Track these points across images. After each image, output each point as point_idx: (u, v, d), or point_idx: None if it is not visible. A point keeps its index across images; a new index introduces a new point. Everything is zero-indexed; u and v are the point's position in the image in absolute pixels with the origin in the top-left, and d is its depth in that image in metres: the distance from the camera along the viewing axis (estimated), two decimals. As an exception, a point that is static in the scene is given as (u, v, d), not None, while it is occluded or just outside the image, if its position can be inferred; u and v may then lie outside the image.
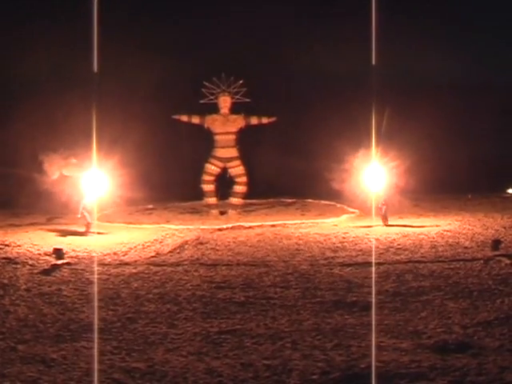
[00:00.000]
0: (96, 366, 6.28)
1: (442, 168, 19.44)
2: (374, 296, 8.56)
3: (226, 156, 17.25)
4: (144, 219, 15.87)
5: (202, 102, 17.23)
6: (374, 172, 14.80)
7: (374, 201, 14.80)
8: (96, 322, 7.66)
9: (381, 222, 14.26)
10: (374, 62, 15.91)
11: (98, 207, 14.30)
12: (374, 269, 10.00)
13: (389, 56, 18.95)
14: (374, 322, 7.46)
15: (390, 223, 14.20)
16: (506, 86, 23.45)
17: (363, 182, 15.13)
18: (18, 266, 10.61)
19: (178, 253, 11.56)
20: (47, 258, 11.17)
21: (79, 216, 13.64)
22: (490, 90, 23.43)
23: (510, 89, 23.50)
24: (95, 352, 6.66)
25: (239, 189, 17.47)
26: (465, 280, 9.26)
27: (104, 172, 14.26)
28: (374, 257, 10.76)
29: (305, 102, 19.62)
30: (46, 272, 10.16)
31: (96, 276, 9.86)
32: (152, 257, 11.24)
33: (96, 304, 8.39)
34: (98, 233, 13.65)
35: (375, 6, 14.58)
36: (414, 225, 14.09)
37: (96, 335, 7.20)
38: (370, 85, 17.14)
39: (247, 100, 17.17)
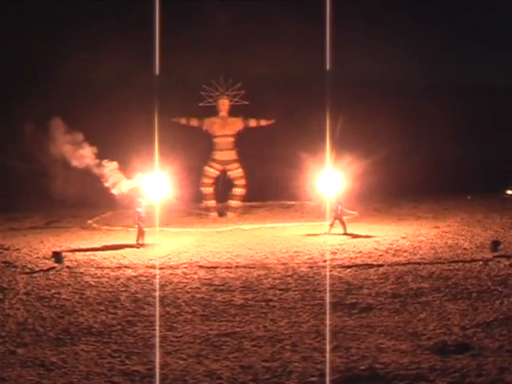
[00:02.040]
0: (95, 369, 6.30)
1: (401, 171, 19.51)
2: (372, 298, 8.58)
3: (224, 159, 17.30)
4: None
5: (200, 104, 17.29)
6: (327, 178, 14.26)
7: (328, 207, 14.23)
8: (95, 325, 7.67)
9: (338, 230, 13.54)
10: (328, 67, 16.06)
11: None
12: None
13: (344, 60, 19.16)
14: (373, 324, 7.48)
15: (348, 231, 13.52)
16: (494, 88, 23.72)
17: (318, 188, 14.70)
18: (18, 269, 10.62)
19: (177, 255, 11.56)
20: (46, 261, 11.18)
21: (136, 226, 12.82)
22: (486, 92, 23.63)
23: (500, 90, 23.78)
24: (95, 355, 6.67)
25: (238, 191, 17.50)
26: (464, 281, 9.26)
27: (162, 178, 13.86)
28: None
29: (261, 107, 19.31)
30: (45, 275, 10.16)
31: (95, 279, 9.86)
32: (151, 260, 11.24)
33: (95, 307, 8.40)
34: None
35: (330, 12, 14.77)
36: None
37: (95, 338, 7.21)
38: (325, 89, 17.17)
39: (245, 103, 17.23)
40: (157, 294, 8.98)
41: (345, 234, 13.54)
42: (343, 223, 13.79)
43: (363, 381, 5.87)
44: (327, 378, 5.92)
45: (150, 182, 13.32)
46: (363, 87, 21.23)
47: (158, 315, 8.02)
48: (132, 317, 7.95)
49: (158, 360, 6.48)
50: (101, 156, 13.60)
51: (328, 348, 6.71)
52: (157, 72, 15.35)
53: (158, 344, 6.98)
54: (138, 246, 12.49)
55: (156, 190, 13.40)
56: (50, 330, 7.48)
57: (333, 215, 13.82)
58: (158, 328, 7.52)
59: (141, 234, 12.72)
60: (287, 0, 19.95)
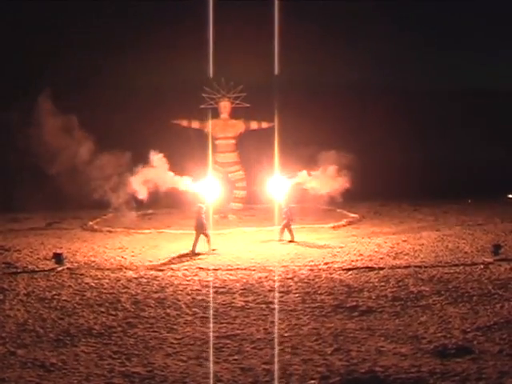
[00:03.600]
0: (95, 370, 6.30)
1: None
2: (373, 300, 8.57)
3: (226, 161, 17.32)
4: (144, 224, 15.87)
5: (202, 106, 17.31)
6: (276, 182, 13.77)
7: (276, 213, 13.88)
8: (96, 326, 7.67)
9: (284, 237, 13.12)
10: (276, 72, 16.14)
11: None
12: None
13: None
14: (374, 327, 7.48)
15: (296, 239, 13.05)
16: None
17: (267, 193, 14.27)
18: (18, 270, 10.62)
19: (178, 257, 11.56)
20: (47, 262, 11.18)
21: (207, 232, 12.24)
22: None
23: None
24: (95, 357, 6.67)
25: (239, 194, 17.52)
26: (465, 285, 9.25)
27: (215, 181, 13.68)
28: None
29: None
30: (45, 277, 10.16)
31: (95, 281, 9.86)
32: (151, 261, 11.24)
33: (96, 309, 8.39)
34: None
35: (278, 18, 14.91)
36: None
37: (96, 340, 7.21)
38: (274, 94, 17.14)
39: (247, 105, 17.25)
40: (157, 295, 8.98)
41: (291, 241, 13.11)
42: (290, 230, 13.30)
43: (363, 384, 5.87)
44: (327, 381, 5.92)
45: (205, 186, 13.05)
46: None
47: (158, 317, 8.02)
48: (132, 318, 7.95)
49: (158, 362, 6.49)
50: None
51: (328, 351, 6.71)
52: (211, 74, 15.44)
53: (158, 346, 6.99)
54: (211, 251, 12.00)
55: (211, 193, 13.12)
56: (51, 331, 7.48)
57: (283, 222, 13.36)
58: (158, 330, 7.52)
59: (207, 239, 12.18)
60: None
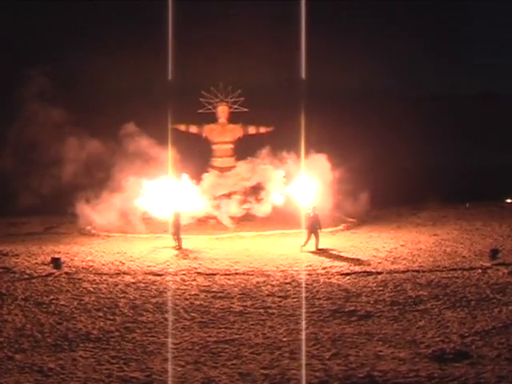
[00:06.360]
0: (94, 375, 6.29)
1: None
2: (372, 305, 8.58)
3: (223, 166, 17.31)
4: (142, 229, 15.82)
5: (200, 111, 17.31)
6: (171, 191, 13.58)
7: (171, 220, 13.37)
8: (94, 331, 7.66)
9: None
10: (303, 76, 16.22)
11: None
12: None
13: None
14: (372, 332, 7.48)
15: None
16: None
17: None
18: (16, 275, 10.60)
19: (176, 262, 11.55)
20: (45, 267, 11.15)
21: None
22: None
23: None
24: (93, 361, 6.66)
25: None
26: (463, 289, 9.25)
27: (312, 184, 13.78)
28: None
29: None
30: (43, 281, 10.15)
31: (93, 285, 9.85)
32: (149, 266, 11.23)
33: (94, 314, 8.39)
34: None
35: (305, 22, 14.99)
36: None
37: (94, 345, 7.20)
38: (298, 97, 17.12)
39: (245, 110, 17.25)
40: (155, 300, 8.97)
41: (179, 248, 12.94)
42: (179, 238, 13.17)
43: (361, 388, 5.87)
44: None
45: (301, 189, 13.21)
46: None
47: (156, 322, 8.01)
48: (130, 323, 7.94)
49: (156, 366, 6.48)
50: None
51: (327, 355, 6.71)
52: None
53: (156, 351, 6.98)
54: (318, 250, 12.38)
55: (308, 196, 13.26)
56: (48, 336, 7.47)
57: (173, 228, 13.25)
58: (156, 335, 7.52)
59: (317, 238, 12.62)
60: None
